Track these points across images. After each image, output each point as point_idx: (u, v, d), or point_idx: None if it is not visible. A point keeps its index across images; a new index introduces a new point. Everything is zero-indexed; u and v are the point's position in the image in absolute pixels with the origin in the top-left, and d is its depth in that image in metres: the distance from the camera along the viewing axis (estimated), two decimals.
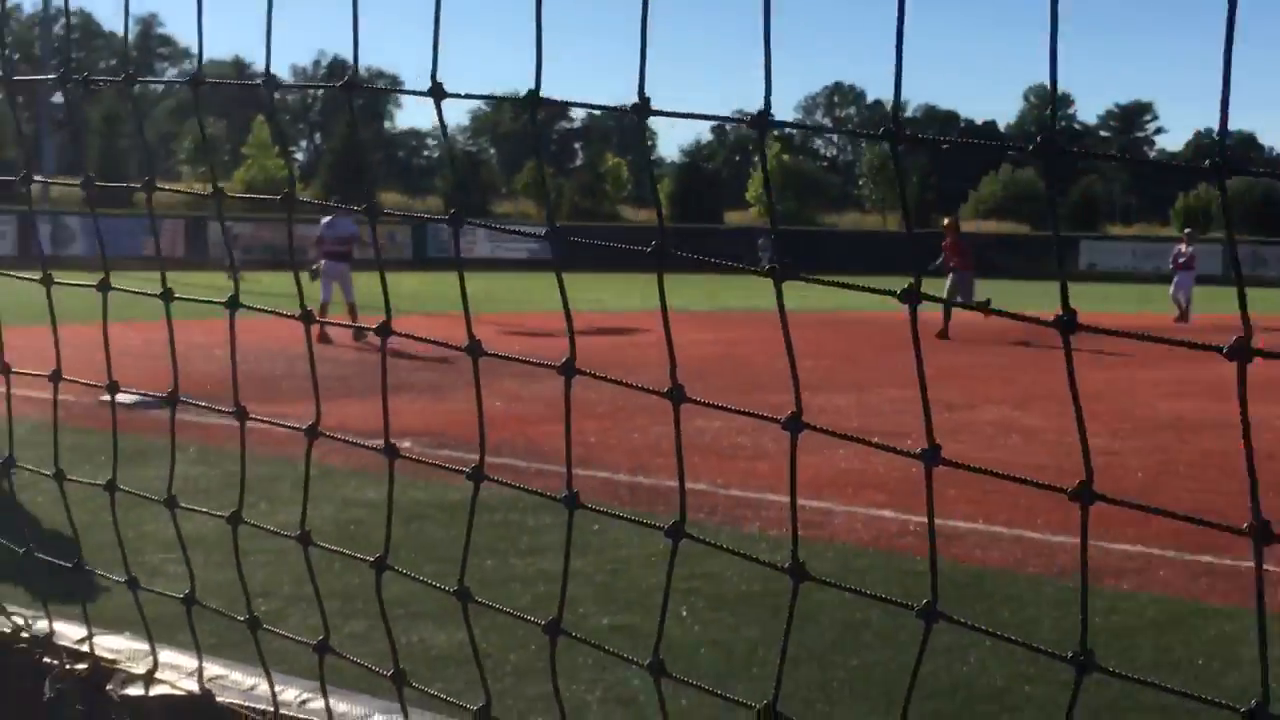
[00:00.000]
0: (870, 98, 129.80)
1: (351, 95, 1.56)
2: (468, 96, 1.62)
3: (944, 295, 22.92)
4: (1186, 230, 34.57)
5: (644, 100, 1.42)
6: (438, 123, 1.61)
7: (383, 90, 1.94)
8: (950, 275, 24.55)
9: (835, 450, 10.80)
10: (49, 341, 2.05)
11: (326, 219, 21.53)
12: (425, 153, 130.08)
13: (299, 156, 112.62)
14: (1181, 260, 30.26)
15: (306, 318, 1.65)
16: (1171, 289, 30.26)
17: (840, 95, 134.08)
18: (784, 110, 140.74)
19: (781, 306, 1.36)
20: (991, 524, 8.13)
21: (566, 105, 1.54)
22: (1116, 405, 14.16)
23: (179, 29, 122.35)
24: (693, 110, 1.42)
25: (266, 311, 1.82)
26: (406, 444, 10.18)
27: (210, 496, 8.33)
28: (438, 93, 1.53)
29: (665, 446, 10.72)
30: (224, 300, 1.76)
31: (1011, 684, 5.27)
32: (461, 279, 1.59)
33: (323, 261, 21.08)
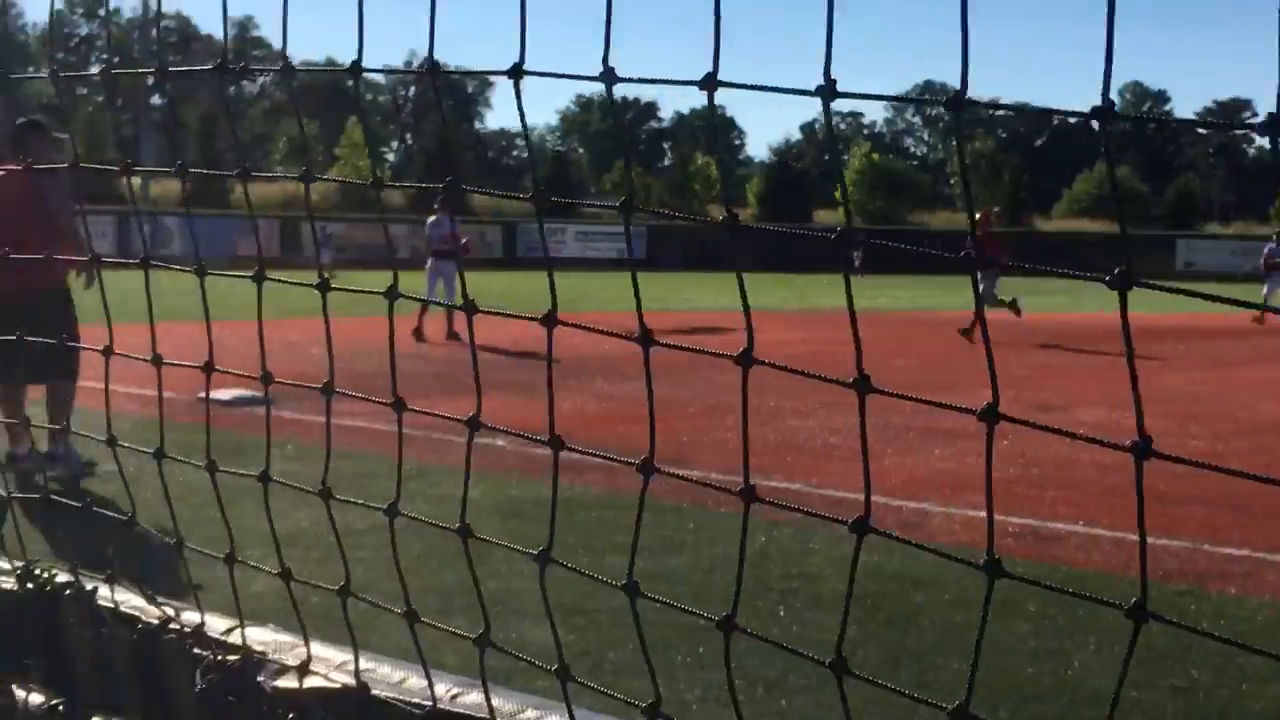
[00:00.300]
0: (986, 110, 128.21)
1: (435, 82, 1.56)
2: (545, 75, 1.62)
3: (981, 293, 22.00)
4: (1279, 231, 33.58)
5: (713, 79, 1.39)
6: (518, 113, 1.61)
7: (464, 73, 1.93)
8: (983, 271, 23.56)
9: (931, 450, 10.69)
10: (145, 339, 2.07)
11: (432, 219, 21.77)
12: (515, 153, 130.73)
13: (389, 157, 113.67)
14: (1277, 260, 29.38)
15: (470, 307, 1.65)
16: (1265, 290, 29.18)
17: (931, 93, 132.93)
18: (874, 109, 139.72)
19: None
20: (1093, 526, 8.00)
21: (642, 81, 1.52)
22: (1217, 407, 13.90)
23: (274, 32, 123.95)
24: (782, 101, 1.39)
25: (439, 304, 1.81)
26: (501, 443, 10.22)
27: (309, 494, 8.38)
28: (517, 72, 1.53)
29: (758, 446, 10.67)
30: (384, 291, 1.76)
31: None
32: (634, 277, 1.57)
33: (430, 260, 21.28)
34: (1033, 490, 9.07)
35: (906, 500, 8.65)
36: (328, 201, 60.81)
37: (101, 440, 1.95)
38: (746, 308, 1.48)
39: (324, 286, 1.70)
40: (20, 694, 1.68)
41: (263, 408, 11.79)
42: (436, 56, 1.67)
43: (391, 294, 1.70)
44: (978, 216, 25.07)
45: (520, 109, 1.63)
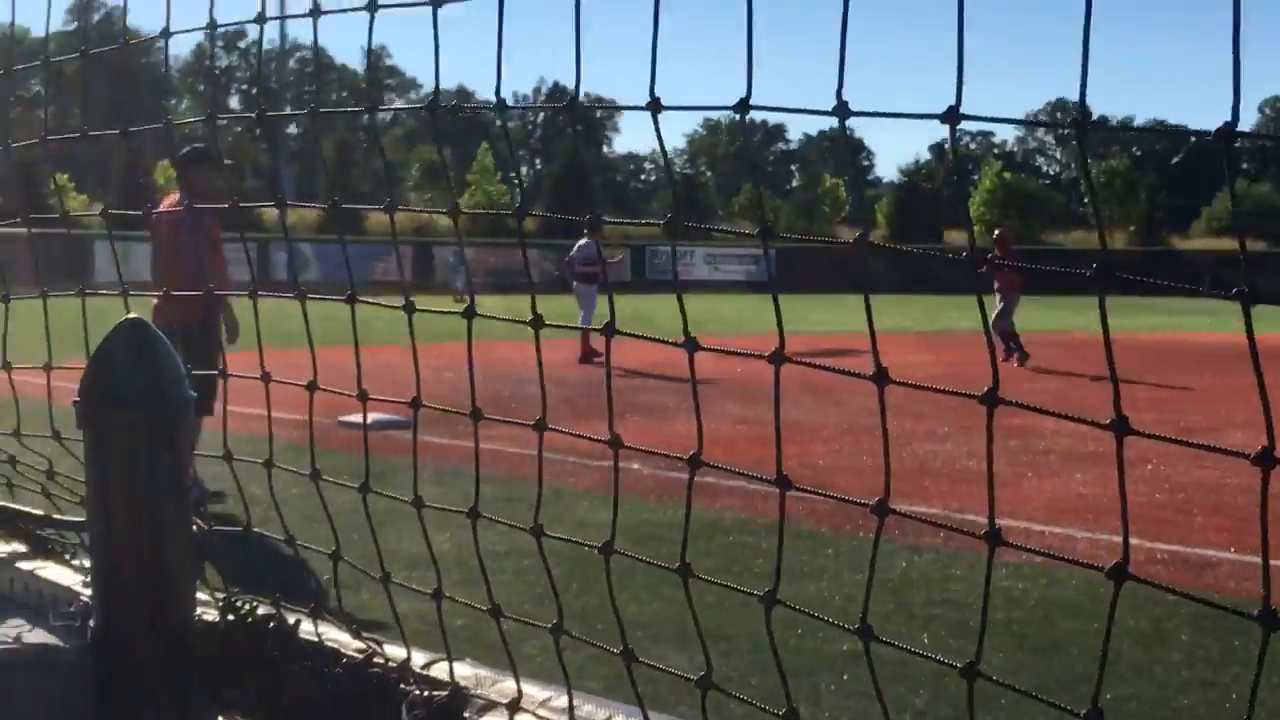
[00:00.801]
0: (1095, 113, 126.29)
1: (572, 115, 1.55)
2: (684, 109, 1.66)
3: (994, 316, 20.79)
4: None
5: (841, 103, 1.35)
6: (656, 141, 1.62)
7: (602, 107, 1.93)
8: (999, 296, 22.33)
9: (1071, 475, 10.46)
10: (285, 362, 2.07)
11: (581, 242, 22.03)
12: (643, 176, 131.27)
13: (519, 182, 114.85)
14: None
15: (609, 329, 1.64)
16: None
17: (1063, 111, 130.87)
18: (1004, 127, 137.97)
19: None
20: (1245, 553, 7.76)
21: (776, 110, 1.54)
22: None
23: (405, 60, 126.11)
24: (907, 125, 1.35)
25: (644, 337, 1.79)
26: (635, 466, 10.21)
27: (449, 518, 8.44)
28: (655, 106, 1.54)
29: (894, 469, 10.53)
30: (528, 320, 1.74)
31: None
32: (776, 300, 1.54)
33: (574, 284, 21.52)
34: (1180, 516, 8.82)
35: (1048, 525, 8.46)
36: (460, 227, 61.46)
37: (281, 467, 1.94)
38: (872, 329, 1.42)
39: (470, 313, 1.69)
40: None
41: (401, 431, 11.92)
42: (561, 81, 1.67)
43: (536, 323, 1.68)
44: (995, 235, 24.04)
45: (660, 140, 1.65)
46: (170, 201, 9.56)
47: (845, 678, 5.36)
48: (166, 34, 2.18)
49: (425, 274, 50.54)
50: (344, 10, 1.93)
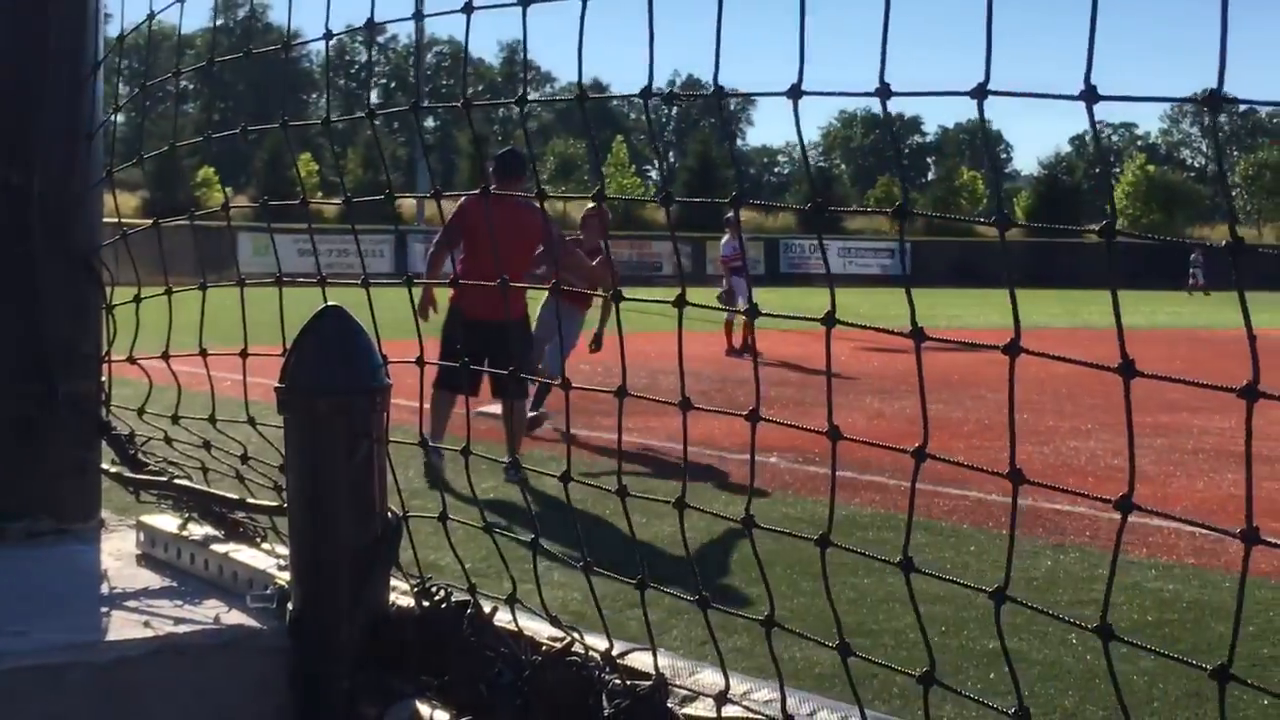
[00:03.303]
0: (1243, 105, 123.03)
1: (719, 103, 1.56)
2: (823, 94, 1.64)
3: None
4: None
5: (984, 88, 1.35)
6: (795, 133, 1.63)
7: (743, 95, 1.96)
8: None
9: (1223, 475, 10.24)
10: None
11: (725, 238, 22.14)
12: (776, 169, 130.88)
13: (653, 175, 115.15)
14: None
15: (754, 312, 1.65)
16: None
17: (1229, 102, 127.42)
18: (1149, 120, 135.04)
19: None
20: None
21: (913, 95, 1.53)
22: None
23: (540, 54, 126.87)
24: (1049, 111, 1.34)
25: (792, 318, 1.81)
26: (774, 459, 10.21)
27: (606, 505, 8.52)
28: (795, 92, 1.54)
29: (1036, 466, 10.41)
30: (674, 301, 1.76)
31: None
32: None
33: (731, 278, 21.59)
34: None
35: (1198, 526, 8.29)
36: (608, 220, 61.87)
37: (554, 474, 1.97)
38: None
39: (680, 302, 1.71)
40: (425, 710, 1.74)
41: (545, 424, 12.03)
42: (695, 74, 1.70)
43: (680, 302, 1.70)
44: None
45: (798, 127, 1.66)
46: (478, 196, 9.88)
47: (991, 676, 5.32)
48: (328, 35, 2.24)
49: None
50: (497, 5, 1.97)
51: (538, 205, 9.61)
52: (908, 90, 1.51)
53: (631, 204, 73.31)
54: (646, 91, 1.74)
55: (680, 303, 1.69)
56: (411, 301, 3.02)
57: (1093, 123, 1.39)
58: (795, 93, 1.56)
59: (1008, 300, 1.48)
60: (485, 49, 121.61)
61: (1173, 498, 9.13)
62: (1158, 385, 1.36)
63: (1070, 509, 8.74)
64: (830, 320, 1.53)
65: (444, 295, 9.81)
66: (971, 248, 56.53)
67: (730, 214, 21.81)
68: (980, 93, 1.39)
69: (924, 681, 1.50)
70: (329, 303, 1.94)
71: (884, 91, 1.46)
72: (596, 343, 12.31)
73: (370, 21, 2.17)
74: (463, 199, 9.92)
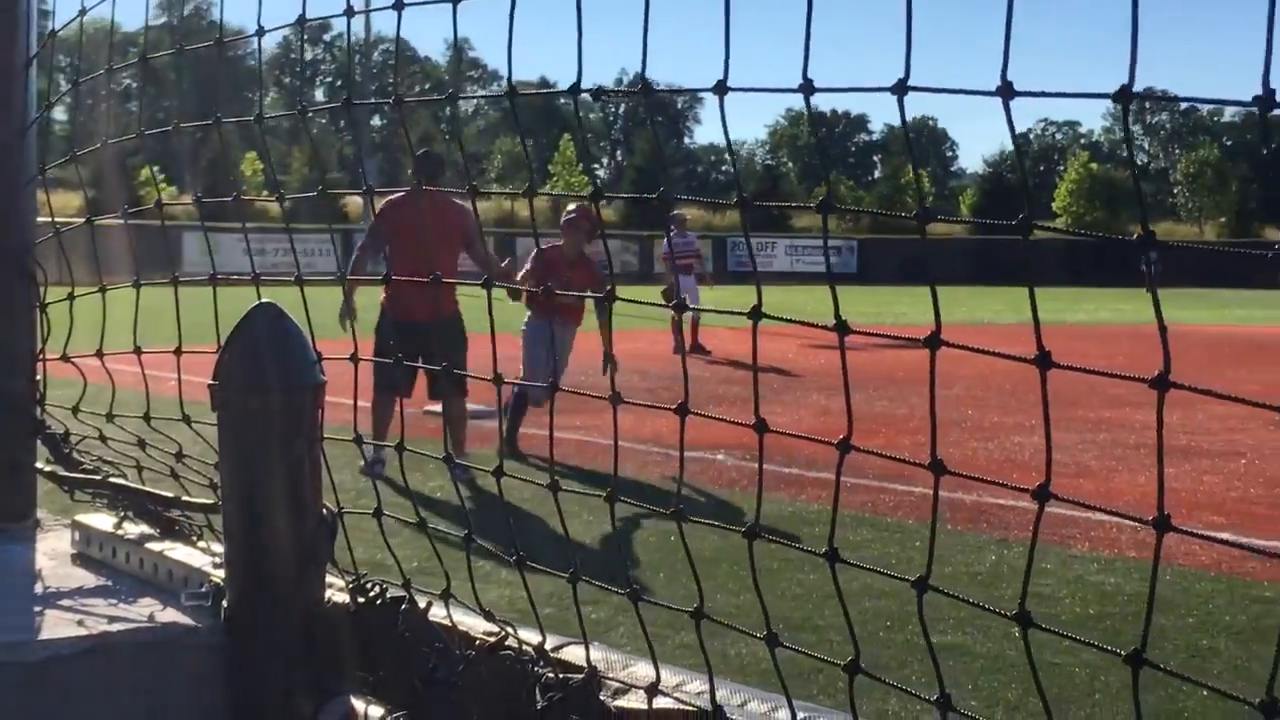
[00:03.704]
0: (1185, 104, 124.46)
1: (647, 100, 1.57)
2: (746, 90, 1.66)
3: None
4: None
5: (903, 84, 1.37)
6: (721, 129, 1.65)
7: (671, 91, 1.94)
8: None
9: (1166, 468, 10.34)
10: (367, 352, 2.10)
11: (673, 233, 22.15)
12: (724, 168, 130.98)
13: (601, 174, 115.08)
14: None
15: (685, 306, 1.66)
16: None
17: (1151, 101, 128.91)
18: (1092, 115, 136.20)
19: None
20: None
21: (835, 91, 1.57)
22: None
23: (487, 52, 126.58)
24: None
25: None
26: (720, 457, 10.23)
27: (545, 503, 8.51)
28: (721, 88, 1.57)
29: (981, 461, 10.49)
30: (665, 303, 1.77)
31: None
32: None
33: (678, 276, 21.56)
34: (1276, 511, 8.71)
35: (1116, 516, 8.37)
36: (540, 217, 61.90)
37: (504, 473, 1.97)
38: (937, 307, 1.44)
39: (610, 298, 1.71)
40: (360, 705, 1.73)
41: (487, 420, 12.02)
42: (646, 74, 1.72)
43: (678, 306, 1.71)
44: None
45: (724, 125, 1.68)
46: (401, 198, 9.79)
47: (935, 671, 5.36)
48: (260, 31, 2.23)
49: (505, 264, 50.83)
50: (425, 1, 1.97)
51: (462, 203, 9.68)
52: (833, 87, 1.53)
53: (589, 200, 73.28)
54: (575, 88, 1.74)
55: (610, 298, 1.70)
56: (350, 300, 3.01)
57: (1010, 120, 1.41)
58: (721, 89, 1.58)
59: (953, 298, 1.49)
60: (433, 48, 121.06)
61: (1116, 492, 9.22)
62: (1101, 381, 1.38)
63: (1015, 504, 8.81)
64: (756, 315, 1.54)
65: (375, 299, 9.81)
66: (914, 247, 56.79)
67: (677, 211, 21.72)
68: (900, 89, 1.41)
69: (849, 670, 1.52)
70: (263, 300, 1.93)
71: (807, 88, 1.48)
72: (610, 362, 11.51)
73: (302, 18, 2.16)
74: (383, 202, 9.84)
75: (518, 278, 10.51)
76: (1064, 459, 10.73)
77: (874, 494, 8.79)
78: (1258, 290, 45.48)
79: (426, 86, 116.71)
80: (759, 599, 1.66)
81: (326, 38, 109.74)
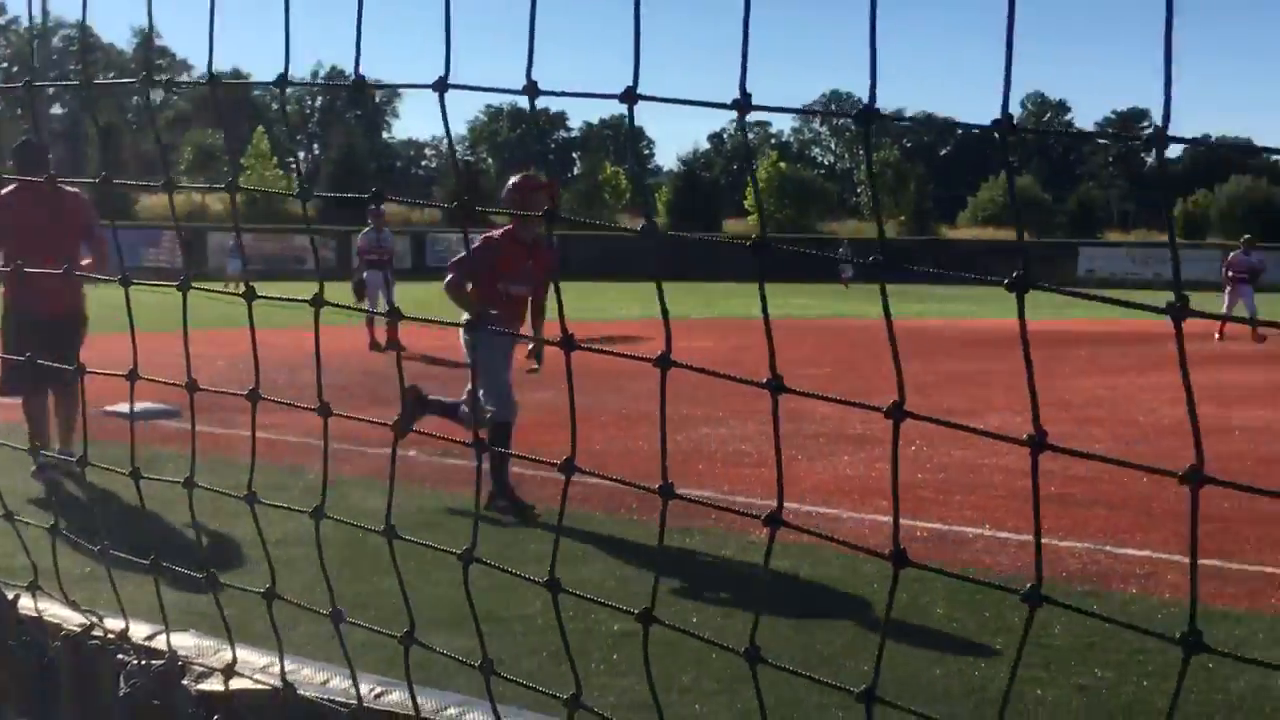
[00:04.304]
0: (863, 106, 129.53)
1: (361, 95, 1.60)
2: (471, 89, 1.66)
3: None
4: (1245, 237, 30.44)
5: (634, 90, 1.44)
6: (442, 123, 1.67)
7: (389, 86, 1.94)
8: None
9: (840, 457, 10.81)
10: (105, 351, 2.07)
11: (367, 229, 21.96)
12: (423, 163, 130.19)
13: (297, 169, 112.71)
14: (1243, 272, 27.72)
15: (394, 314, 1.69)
16: (1225, 302, 27.43)
17: (837, 103, 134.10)
18: (781, 118, 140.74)
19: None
20: (999, 530, 8.15)
21: (563, 95, 1.60)
22: (1119, 411, 14.19)
23: (175, 41, 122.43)
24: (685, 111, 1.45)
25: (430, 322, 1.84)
26: (412, 453, 10.20)
27: (225, 503, 8.31)
28: (441, 85, 1.58)
29: (671, 451, 10.74)
30: (309, 299, 1.77)
31: (1021, 687, 5.27)
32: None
33: (365, 273, 21.41)
34: (940, 495, 9.21)
35: (817, 505, 8.74)
36: (240, 210, 60.28)
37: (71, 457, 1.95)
38: (665, 313, 1.52)
39: (250, 296, 1.72)
40: None
41: (168, 420, 11.68)
42: (339, 65, 1.73)
43: (317, 302, 1.73)
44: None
45: (445, 122, 1.69)
46: (15, 191, 9.26)
47: (615, 657, 5.49)
48: None
49: (198, 261, 49.32)
50: None
51: (75, 190, 9.48)
52: (558, 90, 1.55)
53: (272, 197, 71.66)
54: (283, 80, 1.73)
55: (318, 302, 1.70)
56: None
57: (632, 118, 1.47)
58: (441, 86, 1.58)
59: (651, 293, 1.56)
60: (118, 35, 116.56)
61: (794, 480, 9.58)
62: (787, 372, 1.46)
63: (697, 493, 9.07)
64: (396, 315, 1.57)
65: None
66: (613, 241, 57.59)
67: (374, 206, 21.37)
68: (630, 97, 1.44)
69: (484, 671, 1.58)
70: None
71: (532, 90, 1.49)
72: (536, 356, 9.28)
73: None
74: None
75: (446, 278, 8.61)
76: (749, 449, 11.10)
77: (567, 486, 8.92)
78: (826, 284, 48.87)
79: (111, 74, 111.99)
80: (402, 593, 1.70)
81: (1, 20, 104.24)
